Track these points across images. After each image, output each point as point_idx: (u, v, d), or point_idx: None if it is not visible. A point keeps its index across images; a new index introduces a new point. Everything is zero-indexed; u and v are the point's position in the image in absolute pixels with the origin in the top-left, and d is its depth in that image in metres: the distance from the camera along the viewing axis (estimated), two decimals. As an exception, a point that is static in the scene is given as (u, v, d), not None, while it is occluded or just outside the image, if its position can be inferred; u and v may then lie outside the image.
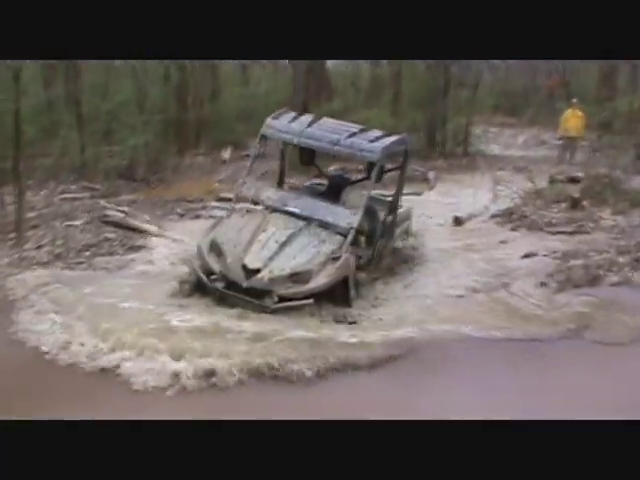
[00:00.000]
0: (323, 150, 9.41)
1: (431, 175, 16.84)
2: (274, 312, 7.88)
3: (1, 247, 10.36)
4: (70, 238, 10.94)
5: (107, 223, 11.80)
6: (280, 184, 10.63)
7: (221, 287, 8.18)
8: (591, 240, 11.28)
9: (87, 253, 10.33)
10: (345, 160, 12.64)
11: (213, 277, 8.32)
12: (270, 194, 9.46)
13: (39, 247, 10.49)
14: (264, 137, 9.65)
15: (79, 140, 15.16)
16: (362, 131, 9.44)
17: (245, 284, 8.05)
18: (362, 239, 9.19)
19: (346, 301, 8.43)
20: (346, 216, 8.79)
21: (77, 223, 11.85)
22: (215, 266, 8.39)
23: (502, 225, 12.74)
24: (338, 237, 8.58)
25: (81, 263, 9.92)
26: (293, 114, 9.87)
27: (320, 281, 8.16)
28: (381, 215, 9.79)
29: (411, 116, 19.58)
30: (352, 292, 8.52)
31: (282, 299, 8.01)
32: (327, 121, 9.77)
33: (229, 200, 13.20)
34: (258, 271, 8.11)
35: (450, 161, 18.86)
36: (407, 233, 10.77)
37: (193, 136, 18.99)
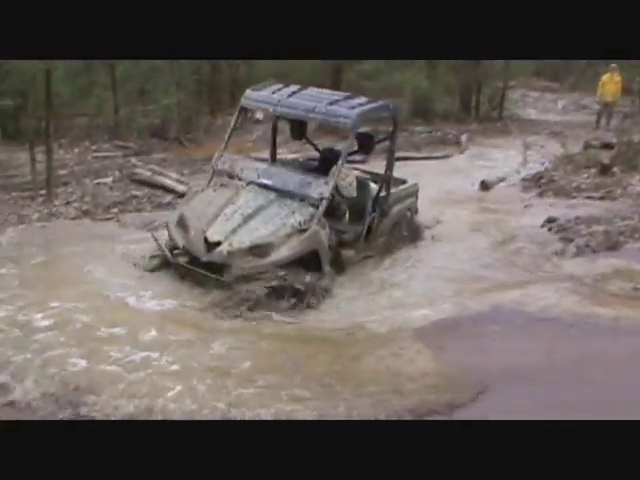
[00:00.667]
0: (298, 118, 9.05)
1: (463, 138, 16.76)
2: (230, 286, 7.45)
3: (32, 203, 10.65)
4: (99, 195, 11.20)
5: (136, 181, 12.04)
6: (273, 158, 10.28)
7: (184, 262, 7.89)
8: (617, 206, 11.17)
9: (115, 210, 10.56)
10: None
11: (176, 252, 8.06)
12: (244, 167, 8.98)
13: (68, 203, 10.77)
14: (243, 109, 9.27)
15: (113, 100, 15.39)
16: (346, 98, 8.99)
17: (204, 258, 7.70)
18: (346, 213, 8.79)
19: (320, 272, 7.95)
20: (317, 186, 8.27)
21: (107, 181, 12.12)
22: (180, 241, 8.10)
23: (529, 190, 12.64)
24: (310, 209, 8.09)
25: (109, 219, 10.16)
26: (279, 85, 9.39)
27: (282, 254, 7.71)
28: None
29: (446, 79, 19.43)
30: (326, 267, 8.04)
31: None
32: (313, 90, 9.30)
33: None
34: (219, 244, 7.72)
35: (484, 125, 18.74)
36: (411, 210, 9.97)
37: (226, 96, 19.02)
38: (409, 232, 9.74)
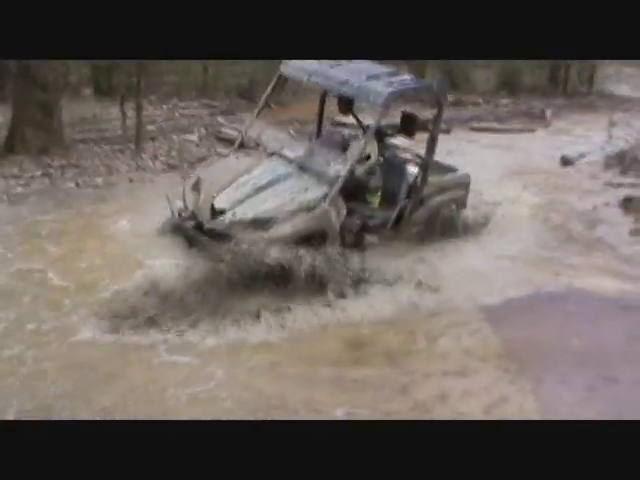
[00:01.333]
0: (330, 90, 8.67)
1: (548, 113, 16.54)
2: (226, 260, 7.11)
3: (121, 156, 11.11)
4: (185, 150, 11.61)
5: (221, 139, 12.39)
6: (318, 131, 9.72)
7: (189, 226, 7.70)
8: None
9: (199, 165, 10.92)
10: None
11: (184, 215, 7.87)
12: (271, 136, 8.65)
13: (155, 157, 11.20)
14: (281, 76, 8.77)
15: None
16: (389, 75, 8.27)
17: (207, 224, 7.50)
18: (374, 197, 8.39)
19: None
20: (336, 164, 7.85)
21: (193, 137, 12.52)
22: (190, 204, 7.92)
23: (611, 168, 12.49)
24: (325, 187, 7.65)
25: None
26: (326, 62, 8.73)
27: (284, 230, 7.29)
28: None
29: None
30: (330, 249, 7.48)
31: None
32: (362, 63, 8.56)
33: (344, 125, 13.68)
34: (224, 213, 7.47)
35: (572, 99, 18.41)
36: (456, 203, 9.09)
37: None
38: (446, 227, 8.86)
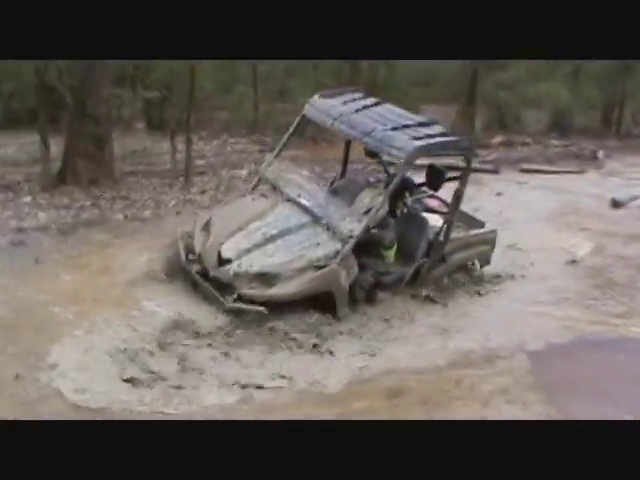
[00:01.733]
0: (353, 139, 8.13)
1: (600, 154, 16.37)
2: (228, 312, 6.88)
3: (169, 189, 11.24)
4: (233, 186, 11.70)
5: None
6: (342, 175, 9.36)
7: (194, 270, 7.31)
8: None
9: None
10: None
11: (191, 257, 7.51)
12: (289, 180, 8.15)
13: (203, 192, 11.31)
14: (304, 117, 8.45)
15: (254, 97, 15.94)
16: (418, 125, 7.83)
17: (212, 272, 7.14)
18: (389, 253, 7.85)
19: (335, 315, 7.17)
20: (350, 221, 7.37)
21: (242, 173, 12.62)
22: (198, 246, 7.54)
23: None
24: (337, 245, 7.21)
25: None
26: (356, 95, 8.67)
27: (287, 289, 6.92)
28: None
29: (588, 91, 18.98)
30: (343, 309, 7.17)
31: (243, 299, 6.92)
32: (389, 108, 8.28)
33: (391, 164, 13.67)
34: (230, 261, 7.14)
35: (625, 141, 18.19)
36: (479, 260, 8.69)
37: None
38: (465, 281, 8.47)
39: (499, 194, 12.64)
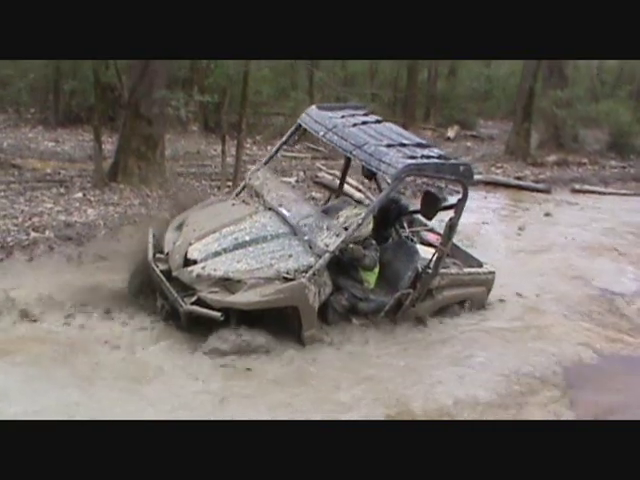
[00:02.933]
0: (342, 151, 7.57)
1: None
2: (185, 316, 6.55)
3: (218, 192, 11.39)
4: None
5: (317, 184, 12.56)
6: (340, 189, 9.25)
7: (159, 269, 6.93)
8: None
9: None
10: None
11: (159, 256, 7.16)
12: (272, 189, 7.86)
13: (251, 197, 11.42)
14: (299, 126, 8.12)
15: (309, 103, 16.02)
16: (415, 146, 7.43)
17: (174, 272, 6.81)
18: (369, 276, 7.37)
19: (299, 337, 6.77)
20: (328, 235, 6.92)
21: (291, 180, 12.73)
22: (167, 245, 7.26)
23: None
24: (311, 259, 6.78)
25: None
26: (359, 111, 8.35)
27: (248, 298, 6.47)
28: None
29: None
30: (309, 330, 6.73)
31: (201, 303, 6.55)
32: (387, 126, 7.92)
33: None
34: (195, 263, 6.81)
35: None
36: (471, 302, 8.07)
37: (421, 110, 19.31)
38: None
39: (547, 215, 12.52)
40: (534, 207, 13.04)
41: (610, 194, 14.59)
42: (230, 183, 11.63)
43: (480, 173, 14.89)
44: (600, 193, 14.57)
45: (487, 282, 8.15)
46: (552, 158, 16.51)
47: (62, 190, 10.50)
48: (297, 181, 12.68)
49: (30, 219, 9.11)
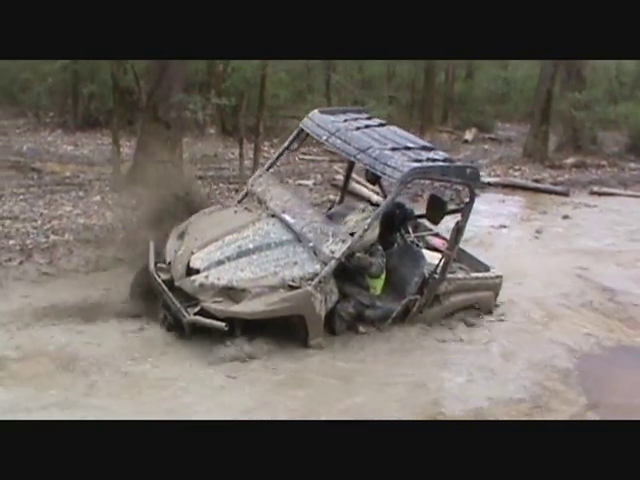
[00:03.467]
0: (345, 156, 7.56)
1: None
2: (188, 326, 6.40)
3: (235, 195, 11.41)
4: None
5: (335, 186, 12.56)
6: (343, 195, 9.15)
7: (161, 279, 6.79)
8: None
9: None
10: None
11: (160, 266, 7.01)
12: (275, 195, 7.67)
13: (253, 203, 11.43)
14: (301, 130, 7.96)
15: (326, 105, 16.05)
16: (419, 149, 7.35)
17: (177, 282, 6.67)
18: (375, 283, 7.23)
19: (305, 344, 6.64)
20: (334, 242, 6.77)
21: (308, 183, 12.76)
22: (169, 254, 7.13)
23: None
24: (317, 266, 6.65)
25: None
26: (361, 114, 8.27)
27: (254, 307, 6.34)
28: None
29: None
30: (315, 338, 6.63)
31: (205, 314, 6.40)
32: (391, 130, 7.81)
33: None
34: (198, 272, 6.67)
35: None
36: (479, 306, 7.89)
37: (438, 113, 19.27)
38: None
39: (566, 217, 12.45)
40: (551, 210, 12.96)
41: (629, 196, 14.46)
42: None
43: (498, 176, 14.92)
44: (619, 195, 14.44)
45: (494, 286, 8.00)
46: (570, 160, 16.39)
47: (81, 193, 10.59)
48: (314, 184, 12.70)
49: (49, 222, 9.20)
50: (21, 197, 10.14)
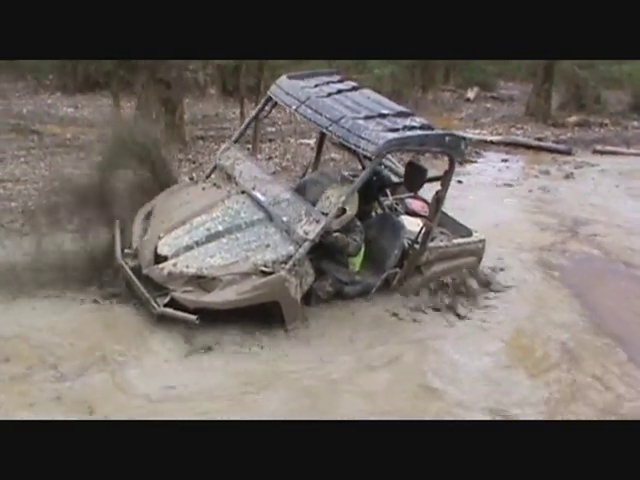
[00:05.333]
0: (317, 127, 7.06)
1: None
2: (159, 317, 6.02)
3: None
4: (300, 154, 11.80)
5: (335, 144, 12.50)
6: (315, 164, 8.71)
7: (128, 266, 6.36)
8: None
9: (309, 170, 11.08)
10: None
11: (127, 251, 6.58)
12: (244, 170, 7.22)
13: (270, 158, 11.46)
14: (269, 99, 7.59)
15: (327, 65, 15.89)
16: (395, 115, 6.88)
17: (144, 270, 6.25)
18: (354, 260, 6.91)
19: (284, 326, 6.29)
20: (308, 222, 6.37)
21: (310, 142, 12.70)
22: (135, 239, 6.66)
23: None
24: (290, 248, 6.28)
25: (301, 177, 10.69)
26: (332, 78, 7.80)
27: (226, 296, 5.99)
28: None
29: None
30: (292, 324, 6.27)
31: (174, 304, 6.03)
32: (367, 95, 7.38)
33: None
34: (167, 259, 6.26)
35: None
36: (462, 273, 7.54)
37: (440, 73, 19.10)
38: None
39: (568, 176, 12.41)
40: (552, 168, 12.92)
41: (633, 155, 14.41)
42: (249, 146, 11.64)
43: (500, 134, 14.85)
44: (622, 154, 14.39)
45: (477, 251, 7.73)
46: (573, 119, 16.30)
47: (82, 155, 10.52)
48: (316, 142, 12.63)
49: (51, 184, 9.16)
50: (22, 159, 10.10)
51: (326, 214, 6.45)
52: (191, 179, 9.99)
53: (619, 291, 8.03)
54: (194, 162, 10.73)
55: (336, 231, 6.53)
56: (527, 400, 5.87)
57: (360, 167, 8.09)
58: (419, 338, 6.59)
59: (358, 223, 6.85)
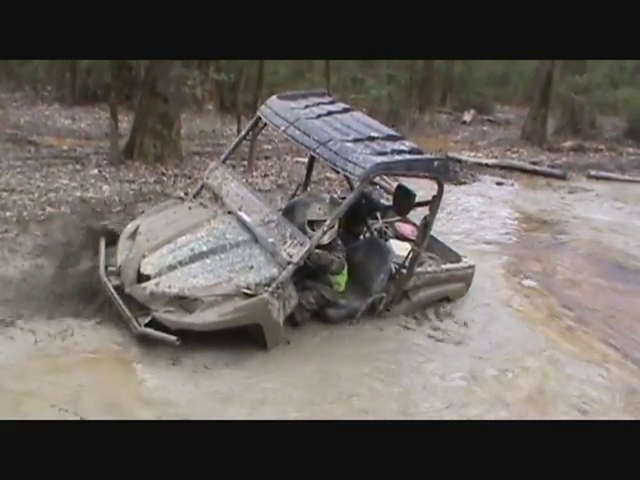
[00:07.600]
0: (305, 149, 6.84)
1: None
2: (139, 337, 5.91)
3: (233, 171, 11.42)
4: (295, 172, 11.82)
5: (331, 164, 12.58)
6: (305, 185, 8.64)
7: (111, 284, 6.27)
8: None
9: (308, 189, 11.11)
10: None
11: (111, 269, 6.51)
12: (231, 190, 7.17)
13: (265, 176, 11.48)
14: (259, 119, 7.51)
15: (326, 85, 16.01)
16: (384, 139, 6.82)
17: (127, 289, 6.16)
18: (337, 279, 6.78)
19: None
20: (292, 244, 6.29)
21: (306, 160, 12.71)
22: (119, 257, 6.58)
23: None
24: (274, 270, 6.16)
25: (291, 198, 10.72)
26: (323, 99, 7.74)
27: (207, 317, 5.87)
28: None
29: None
30: (273, 347, 6.16)
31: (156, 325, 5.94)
32: (355, 116, 7.32)
33: (458, 161, 13.64)
34: (149, 278, 6.17)
35: None
36: (449, 298, 7.59)
37: (438, 94, 19.27)
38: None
39: (563, 199, 12.49)
40: (546, 191, 13.00)
41: (626, 181, 14.48)
42: (245, 163, 11.69)
43: (495, 157, 14.92)
44: (616, 180, 14.45)
45: (466, 277, 7.68)
46: (568, 144, 16.42)
47: (78, 167, 10.57)
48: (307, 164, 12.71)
49: (46, 194, 9.16)
50: (18, 170, 10.09)
51: (313, 228, 6.46)
52: (185, 194, 10.02)
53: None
54: (189, 177, 10.73)
55: (319, 247, 6.43)
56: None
57: (351, 189, 7.86)
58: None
59: (339, 242, 6.78)
